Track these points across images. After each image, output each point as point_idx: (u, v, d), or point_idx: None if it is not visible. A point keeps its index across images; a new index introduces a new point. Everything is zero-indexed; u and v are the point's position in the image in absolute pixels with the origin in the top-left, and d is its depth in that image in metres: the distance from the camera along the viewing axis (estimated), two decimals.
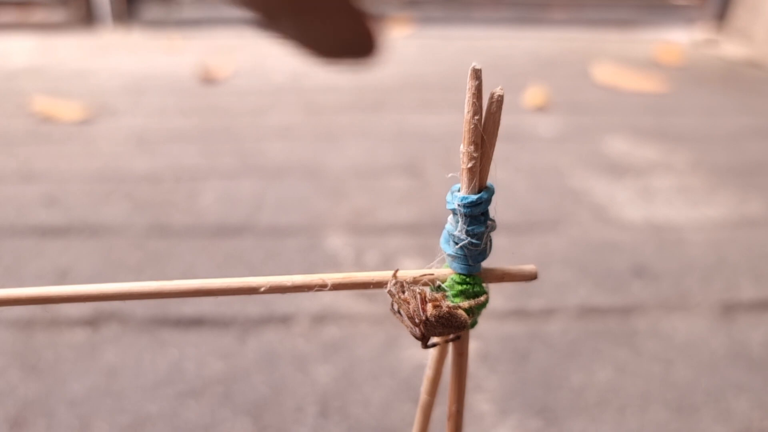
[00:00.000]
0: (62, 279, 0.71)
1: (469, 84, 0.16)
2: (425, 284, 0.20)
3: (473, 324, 0.20)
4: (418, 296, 0.19)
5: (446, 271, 0.20)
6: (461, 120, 0.17)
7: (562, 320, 0.65)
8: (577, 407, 0.53)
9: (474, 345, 0.60)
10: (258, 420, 0.51)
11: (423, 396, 0.22)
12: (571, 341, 0.62)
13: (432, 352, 0.21)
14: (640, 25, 2.43)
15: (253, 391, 0.55)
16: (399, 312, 0.19)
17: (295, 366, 0.58)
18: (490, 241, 0.19)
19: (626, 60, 1.88)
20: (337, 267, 0.74)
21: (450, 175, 0.19)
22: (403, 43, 2.11)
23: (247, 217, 0.86)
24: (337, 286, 0.19)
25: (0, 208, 0.88)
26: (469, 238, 0.18)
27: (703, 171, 1.07)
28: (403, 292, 0.19)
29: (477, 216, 0.18)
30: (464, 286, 0.19)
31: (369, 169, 1.05)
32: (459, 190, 0.18)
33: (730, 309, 0.68)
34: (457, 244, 0.18)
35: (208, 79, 1.60)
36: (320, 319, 0.64)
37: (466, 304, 0.19)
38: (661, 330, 0.64)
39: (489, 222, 0.18)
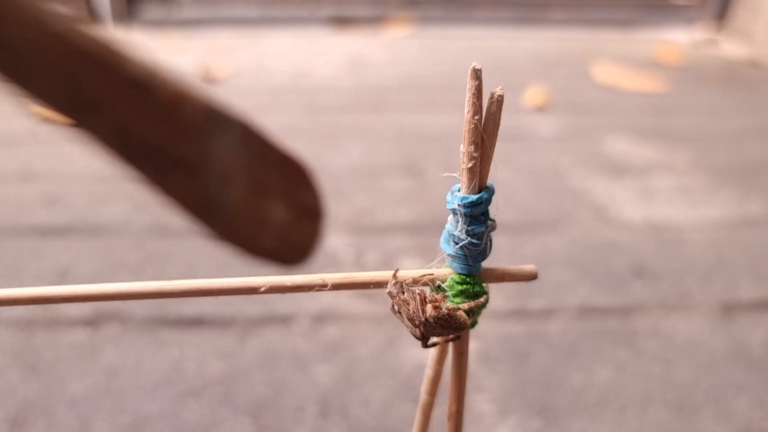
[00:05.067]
0: (62, 279, 0.71)
1: (469, 84, 0.16)
2: (425, 284, 0.20)
3: (473, 324, 0.20)
4: (418, 297, 0.19)
5: (446, 271, 0.20)
6: (461, 120, 0.17)
7: (562, 320, 0.65)
8: (577, 407, 0.53)
9: (474, 345, 0.60)
10: (258, 420, 0.51)
11: (423, 396, 0.22)
12: (571, 341, 0.62)
13: (432, 352, 0.21)
14: (640, 25, 2.43)
15: (253, 391, 0.55)
16: (399, 312, 0.19)
17: (295, 366, 0.58)
18: (490, 241, 0.19)
19: (626, 60, 1.88)
20: (337, 267, 0.74)
21: (446, 174, 0.19)
22: (403, 43, 2.11)
23: None
24: (337, 286, 0.19)
25: (0, 208, 0.88)
26: (469, 238, 0.18)
27: (703, 171, 1.07)
28: (403, 293, 0.19)
29: (477, 216, 0.18)
30: (464, 286, 0.19)
31: (369, 169, 1.05)
32: (459, 190, 0.18)
33: (730, 309, 0.68)
34: (457, 244, 0.18)
35: (208, 79, 1.59)
36: (320, 319, 0.64)
37: (465, 305, 0.19)
38: (661, 330, 0.64)
39: (489, 222, 0.18)
